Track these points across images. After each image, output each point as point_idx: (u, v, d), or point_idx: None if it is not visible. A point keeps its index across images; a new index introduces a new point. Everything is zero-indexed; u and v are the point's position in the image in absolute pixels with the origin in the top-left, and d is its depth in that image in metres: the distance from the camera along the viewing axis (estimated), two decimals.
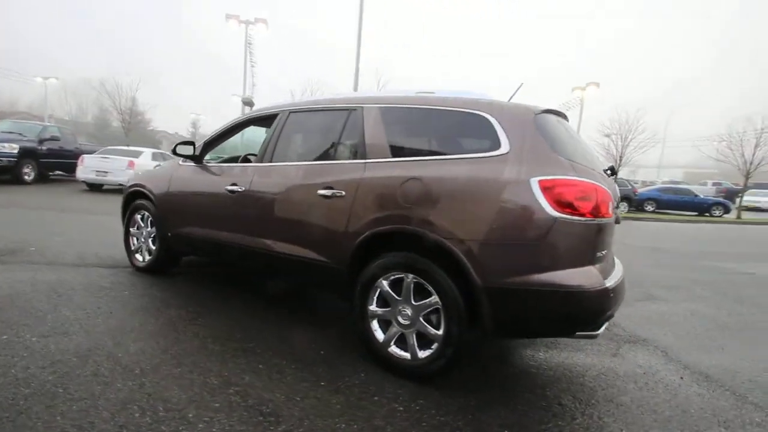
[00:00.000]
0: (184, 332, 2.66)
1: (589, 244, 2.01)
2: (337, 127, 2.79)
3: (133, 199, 3.97)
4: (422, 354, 2.24)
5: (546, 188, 1.96)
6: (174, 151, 3.40)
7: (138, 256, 3.94)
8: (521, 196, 1.99)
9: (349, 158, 2.60)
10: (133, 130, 26.73)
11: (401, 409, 2.01)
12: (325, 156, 2.78)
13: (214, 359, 2.34)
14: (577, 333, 2.03)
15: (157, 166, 4.36)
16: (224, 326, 2.80)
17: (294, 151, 3.05)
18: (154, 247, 3.78)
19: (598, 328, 2.03)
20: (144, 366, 2.20)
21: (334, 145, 2.74)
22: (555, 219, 1.94)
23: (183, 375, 2.15)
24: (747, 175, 17.67)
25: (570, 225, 1.95)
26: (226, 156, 4.47)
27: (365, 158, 2.51)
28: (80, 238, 5.19)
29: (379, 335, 2.39)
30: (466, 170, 2.15)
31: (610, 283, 2.03)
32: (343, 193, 2.48)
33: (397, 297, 2.32)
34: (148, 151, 12.33)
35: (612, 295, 2.02)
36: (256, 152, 3.20)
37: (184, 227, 3.45)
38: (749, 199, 21.51)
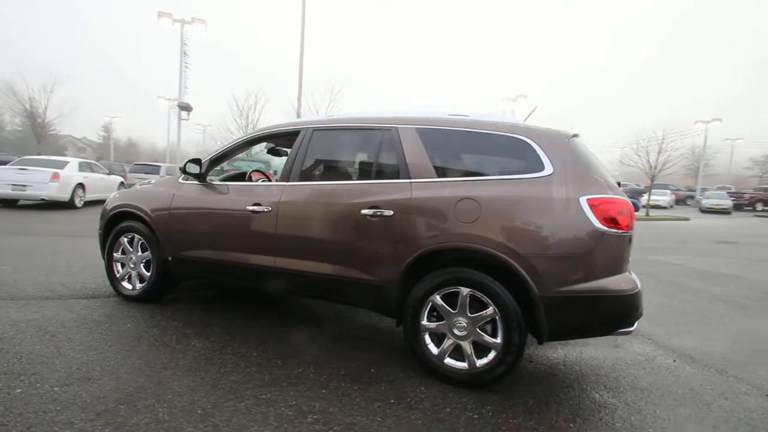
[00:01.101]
0: (223, 364, 2.51)
1: (625, 253, 2.31)
2: (370, 147, 2.85)
3: (117, 221, 3.61)
4: (480, 362, 2.38)
5: (593, 206, 2.23)
6: (183, 170, 3.18)
7: (126, 284, 3.58)
8: (573, 213, 2.23)
9: (390, 178, 2.67)
10: (42, 137, 23.57)
11: (476, 416, 2.13)
12: (361, 175, 2.81)
13: (272, 389, 2.26)
14: (619, 330, 2.31)
15: (98, 178, 3.97)
16: (260, 353, 2.70)
17: (324, 170, 3.03)
18: (148, 273, 3.46)
19: (633, 325, 2.34)
20: (204, 405, 2.07)
21: (370, 165, 2.79)
22: (603, 232, 2.21)
23: (251, 409, 2.06)
24: (652, 178, 20.49)
25: (613, 237, 2.24)
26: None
27: (409, 178, 2.60)
28: (28, 265, 4.54)
29: (433, 349, 2.49)
30: (517, 190, 2.34)
31: (640, 285, 2.36)
32: (391, 212, 2.54)
33: (451, 310, 2.44)
34: (74, 161, 10.99)
35: (641, 295, 2.35)
36: (259, 169, 3.10)
37: (191, 250, 3.23)
38: (652, 198, 24.88)
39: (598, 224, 2.21)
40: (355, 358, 2.72)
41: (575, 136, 2.59)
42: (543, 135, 2.49)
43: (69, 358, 2.45)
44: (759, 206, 30.14)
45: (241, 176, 3.77)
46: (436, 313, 2.49)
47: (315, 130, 3.02)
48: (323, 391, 2.28)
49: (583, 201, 2.24)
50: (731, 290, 5.44)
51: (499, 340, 2.34)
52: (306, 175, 2.94)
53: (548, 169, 2.37)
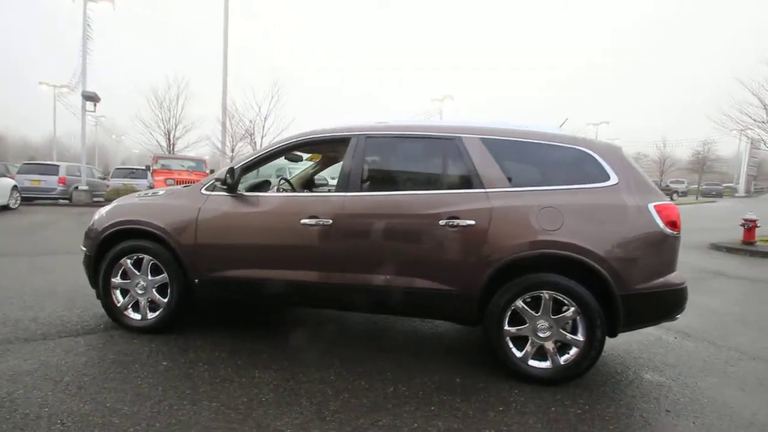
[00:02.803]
0: (310, 393, 2.31)
1: (677, 252, 2.65)
2: (433, 156, 2.82)
3: (114, 241, 3.04)
4: (563, 360, 2.54)
5: (659, 211, 2.52)
6: (224, 182, 2.80)
7: (133, 314, 3.05)
8: (645, 219, 2.50)
9: (461, 188, 2.69)
10: None
11: (579, 411, 2.28)
12: (430, 185, 2.77)
13: (381, 414, 2.15)
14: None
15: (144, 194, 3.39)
16: (337, 376, 2.53)
17: (386, 179, 2.91)
18: (164, 299, 2.99)
19: (682, 312, 2.69)
20: None
21: (437, 175, 2.77)
22: (667, 235, 2.51)
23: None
24: None
25: (672, 239, 2.55)
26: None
27: (483, 188, 2.64)
28: None
29: (516, 352, 2.58)
30: (593, 199, 2.54)
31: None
32: (472, 222, 2.56)
33: (534, 313, 2.55)
34: None
35: None
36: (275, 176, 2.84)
37: (226, 270, 2.87)
38: None
39: (664, 228, 2.50)
40: (430, 369, 2.70)
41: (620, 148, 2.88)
42: (602, 147, 2.72)
43: (126, 415, 2.04)
44: None
45: (262, 185, 3.42)
46: (516, 318, 2.59)
47: (368, 137, 2.89)
48: (432, 408, 2.24)
49: (651, 207, 2.52)
50: None
51: (580, 337, 2.52)
52: (367, 184, 2.80)
53: (614, 179, 2.60)
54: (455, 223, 2.58)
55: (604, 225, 2.50)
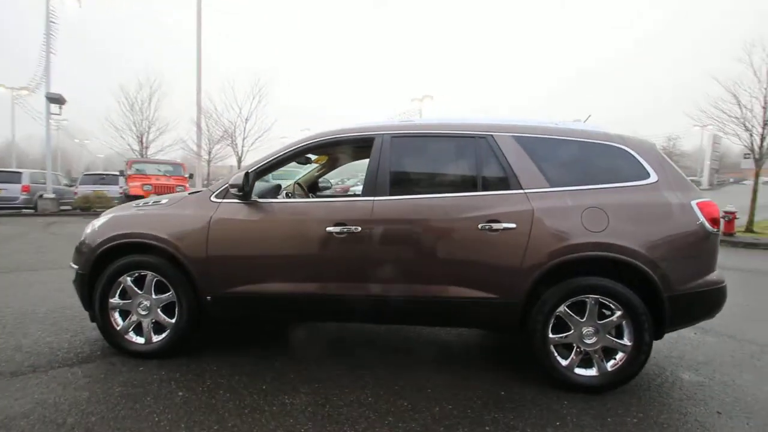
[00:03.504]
0: (352, 420, 2.10)
1: (718, 250, 2.59)
2: (465, 156, 2.66)
3: (113, 256, 2.73)
4: (609, 366, 2.44)
5: (701, 208, 2.45)
6: (242, 188, 2.54)
7: (135, 337, 2.74)
8: (689, 217, 2.42)
9: (498, 189, 2.54)
10: None
11: (635, 420, 2.17)
12: (464, 187, 2.60)
13: None
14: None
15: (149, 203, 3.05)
16: (375, 397, 2.33)
17: (417, 182, 2.72)
18: (171, 320, 2.70)
19: (720, 310, 2.64)
20: None
21: (471, 176, 2.60)
22: (710, 233, 2.45)
23: None
24: None
25: (715, 236, 2.49)
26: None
27: (521, 188, 2.50)
28: None
29: (562, 361, 2.46)
30: (637, 197, 2.44)
31: None
32: (514, 225, 2.42)
33: (580, 319, 2.44)
34: None
35: None
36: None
37: (244, 285, 2.61)
38: None
39: (707, 226, 2.44)
40: (470, 383, 2.53)
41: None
42: (637, 143, 2.64)
43: None
44: None
45: (273, 190, 3.16)
46: (560, 324, 2.47)
47: (393, 137, 2.70)
48: (486, 429, 2.07)
49: (694, 205, 2.45)
50: None
51: (627, 341, 2.42)
52: (397, 188, 2.61)
53: (653, 176, 2.52)
54: (495, 227, 2.43)
55: (650, 225, 2.41)
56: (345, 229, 2.51)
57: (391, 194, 2.58)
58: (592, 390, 2.43)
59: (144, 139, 17.89)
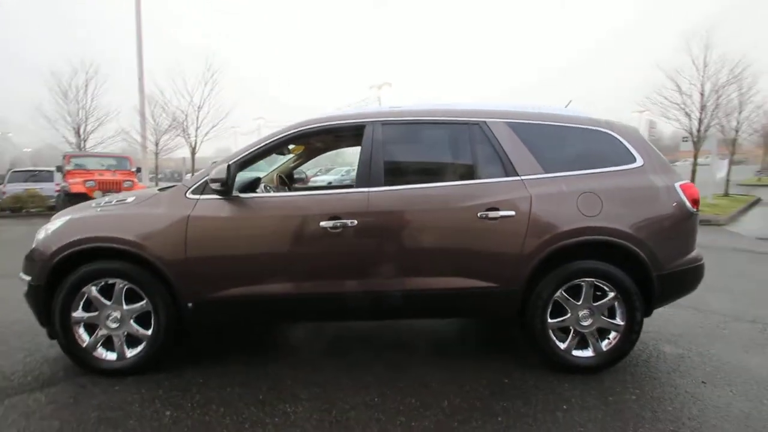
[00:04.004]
0: (365, 426, 2.00)
1: (697, 229, 2.72)
2: (458, 143, 2.60)
3: (74, 264, 2.41)
4: (604, 346, 2.51)
5: (684, 190, 2.55)
6: (225, 183, 2.30)
7: (106, 353, 2.46)
8: (674, 198, 2.51)
9: (494, 176, 2.50)
10: None
11: (634, 397, 2.25)
12: (460, 175, 2.54)
13: None
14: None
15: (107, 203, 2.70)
16: (385, 399, 2.24)
17: (411, 171, 2.61)
18: (147, 332, 2.44)
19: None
20: None
21: (467, 164, 2.54)
22: (692, 213, 2.56)
23: None
24: None
25: (696, 216, 2.61)
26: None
27: (517, 175, 2.48)
28: None
29: (561, 344, 2.50)
30: (626, 181, 2.50)
31: None
32: (513, 213, 2.40)
33: (576, 302, 2.48)
34: None
35: None
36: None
37: (230, 288, 2.40)
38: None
39: (689, 207, 2.55)
40: (472, 373, 2.50)
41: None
42: (622, 128, 2.70)
43: None
44: None
45: (253, 184, 2.92)
46: (556, 309, 2.50)
47: (384, 124, 2.58)
48: (499, 419, 2.05)
49: (677, 187, 2.55)
50: None
51: (620, 321, 2.49)
52: (392, 178, 2.50)
53: (639, 160, 2.59)
54: (494, 215, 2.39)
55: (639, 208, 2.48)
56: (340, 223, 2.37)
57: (386, 185, 2.46)
58: (590, 370, 2.49)
59: (81, 131, 16.25)
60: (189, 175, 20.40)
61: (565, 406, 2.16)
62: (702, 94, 9.81)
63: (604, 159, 2.60)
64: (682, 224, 2.55)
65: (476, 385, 2.37)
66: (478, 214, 2.40)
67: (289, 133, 2.60)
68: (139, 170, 13.01)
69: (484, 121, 2.59)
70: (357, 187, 2.48)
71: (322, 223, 2.38)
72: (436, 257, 2.43)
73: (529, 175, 2.49)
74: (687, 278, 2.60)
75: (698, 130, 10.23)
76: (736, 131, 12.94)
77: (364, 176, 2.48)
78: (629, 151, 2.61)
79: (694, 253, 2.62)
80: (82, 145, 16.05)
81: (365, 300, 2.45)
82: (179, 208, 2.44)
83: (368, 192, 2.44)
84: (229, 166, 2.38)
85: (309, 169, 4.35)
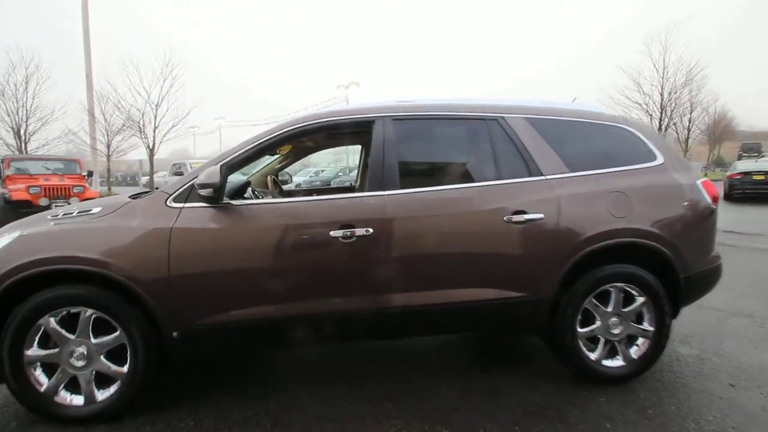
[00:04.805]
0: None
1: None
2: (476, 140, 2.38)
3: (25, 291, 1.96)
4: (633, 353, 2.37)
5: (705, 188, 2.47)
6: (217, 189, 1.94)
7: (71, 397, 2.03)
8: (698, 197, 2.42)
9: (519, 176, 2.30)
10: None
11: (673, 408, 2.12)
12: (481, 176, 2.31)
13: None
14: None
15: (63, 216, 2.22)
16: (411, 429, 1.97)
17: (427, 171, 2.36)
18: (122, 369, 2.03)
19: None
20: None
21: (487, 162, 2.32)
22: (713, 210, 2.49)
23: None
24: None
25: (715, 213, 2.54)
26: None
27: (542, 175, 2.30)
28: None
29: (591, 355, 2.33)
30: (652, 180, 2.38)
31: None
32: (542, 215, 2.21)
33: (606, 309, 2.33)
34: None
35: None
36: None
37: (226, 312, 2.05)
38: None
39: (711, 204, 2.47)
40: (500, 398, 2.24)
41: None
42: (640, 124, 2.61)
43: None
44: None
45: (243, 188, 2.56)
46: (589, 318, 2.34)
47: (395, 119, 2.31)
48: None
49: (699, 184, 2.46)
50: None
51: (648, 326, 2.37)
52: (408, 179, 2.24)
53: (660, 158, 2.48)
54: (522, 219, 2.19)
55: (667, 207, 2.37)
56: (354, 233, 2.08)
57: (402, 187, 2.20)
58: (622, 380, 2.35)
59: (22, 132, 14.65)
60: (146, 178, 19.00)
61: (608, 425, 1.99)
62: (662, 95, 10.31)
63: (626, 156, 2.47)
64: (706, 223, 2.47)
65: (508, 408, 2.15)
66: (504, 218, 2.19)
67: (288, 130, 2.27)
68: (90, 174, 11.89)
69: (502, 116, 2.39)
70: (370, 190, 2.20)
71: (333, 233, 2.08)
72: (461, 267, 2.19)
73: (554, 174, 2.31)
74: (709, 278, 2.53)
75: (659, 129, 10.76)
76: (688, 131, 13.79)
77: (377, 179, 2.20)
78: (649, 148, 2.50)
79: (716, 251, 2.56)
80: (22, 148, 14.49)
81: (382, 318, 2.17)
82: (159, 219, 2.05)
83: (384, 196, 2.16)
84: (221, 167, 2.03)
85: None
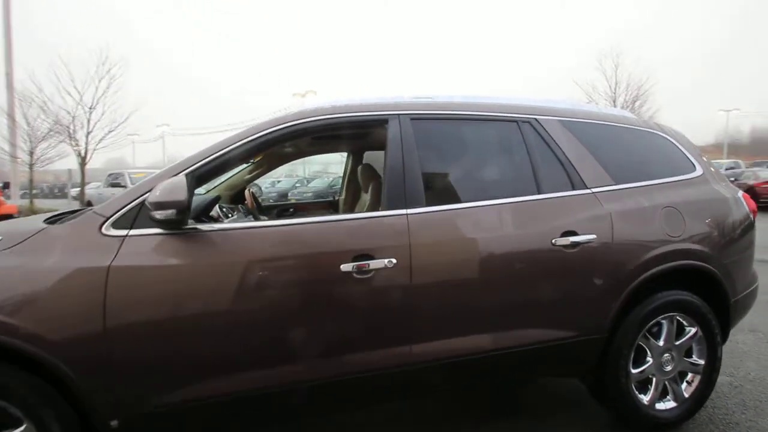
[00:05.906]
0: None
1: None
2: (511, 146, 1.97)
3: None
4: (685, 392, 2.07)
5: (746, 201, 2.25)
6: (181, 210, 1.32)
7: None
8: (743, 211, 2.18)
9: (561, 189, 1.91)
10: None
11: None
12: (520, 189, 1.88)
13: None
14: None
15: None
16: None
17: (457, 184, 1.88)
18: None
19: None
20: None
21: (524, 172, 1.91)
22: (752, 224, 2.27)
23: None
24: None
25: (754, 227, 2.33)
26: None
27: (586, 188, 1.93)
28: None
29: (643, 398, 1.99)
30: (698, 193, 2.10)
31: None
32: (594, 236, 1.83)
33: (659, 344, 2.00)
34: None
35: None
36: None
37: (192, 386, 1.43)
38: None
39: (752, 218, 2.25)
40: None
41: None
42: (674, 132, 2.34)
43: None
44: None
45: (209, 206, 1.94)
46: (642, 355, 1.99)
47: (414, 119, 1.84)
48: None
49: (740, 196, 2.24)
50: None
51: (699, 360, 2.07)
52: (434, 194, 1.76)
53: (698, 169, 2.22)
54: (573, 241, 1.80)
55: (716, 223, 2.09)
56: (371, 265, 1.56)
57: (430, 204, 1.72)
58: (675, 424, 2.03)
59: None
60: (76, 190, 16.47)
61: None
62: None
63: (666, 167, 2.18)
64: (750, 239, 2.24)
65: None
66: (552, 241, 1.78)
67: (276, 129, 1.68)
68: (6, 186, 10.13)
69: (536, 118, 2.00)
70: (388, 209, 1.69)
71: (344, 267, 1.54)
72: (504, 305, 1.76)
73: (600, 186, 1.96)
74: (749, 301, 2.30)
75: None
76: None
77: (397, 193, 1.70)
78: (686, 156, 2.24)
79: (754, 270, 2.34)
80: None
81: (405, 376, 1.66)
82: (90, 255, 1.40)
83: (407, 215, 1.67)
84: (187, 177, 1.42)
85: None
